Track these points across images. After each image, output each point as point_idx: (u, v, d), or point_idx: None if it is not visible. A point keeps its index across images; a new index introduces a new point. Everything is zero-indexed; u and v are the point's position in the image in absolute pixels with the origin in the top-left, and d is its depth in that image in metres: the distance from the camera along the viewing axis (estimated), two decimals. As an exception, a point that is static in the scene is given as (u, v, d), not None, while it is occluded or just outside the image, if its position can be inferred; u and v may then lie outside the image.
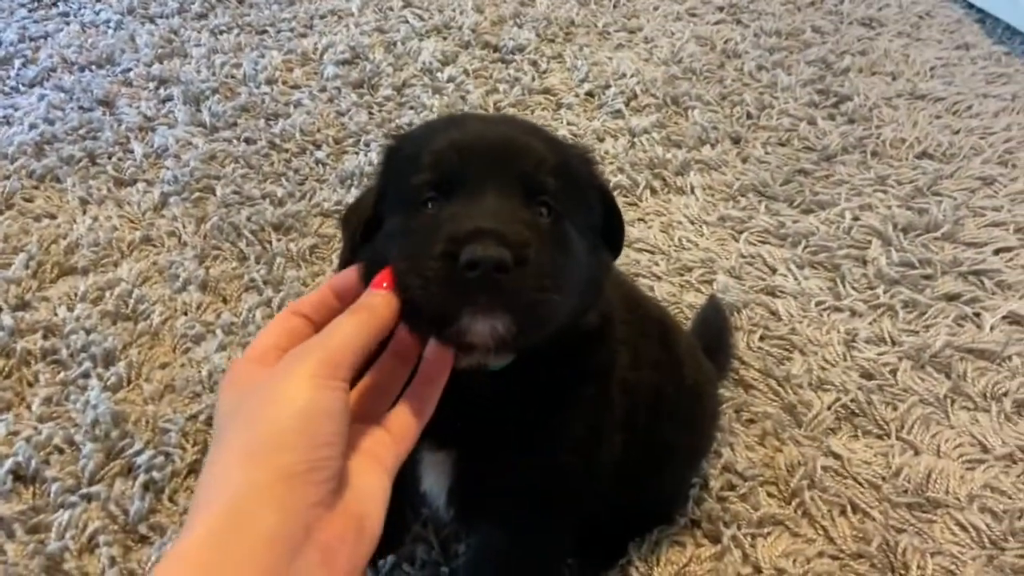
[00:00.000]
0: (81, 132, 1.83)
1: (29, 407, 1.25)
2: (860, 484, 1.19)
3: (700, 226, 1.68)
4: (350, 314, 0.63)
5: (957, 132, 1.97)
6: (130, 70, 2.06)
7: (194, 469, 1.17)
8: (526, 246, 0.63)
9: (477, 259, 0.60)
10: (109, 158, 1.77)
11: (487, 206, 0.65)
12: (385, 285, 0.65)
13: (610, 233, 0.80)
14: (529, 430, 0.78)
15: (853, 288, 1.53)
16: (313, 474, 0.54)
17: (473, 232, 0.62)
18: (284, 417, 0.55)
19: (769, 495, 1.18)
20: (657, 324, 0.99)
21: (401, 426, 0.65)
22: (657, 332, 0.97)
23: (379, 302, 0.64)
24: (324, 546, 0.53)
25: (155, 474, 1.14)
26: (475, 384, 0.73)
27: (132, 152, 1.79)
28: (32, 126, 1.84)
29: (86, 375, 1.29)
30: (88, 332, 1.36)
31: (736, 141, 1.92)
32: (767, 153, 1.88)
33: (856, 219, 1.69)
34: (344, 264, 0.75)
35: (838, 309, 1.49)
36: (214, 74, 2.05)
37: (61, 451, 1.18)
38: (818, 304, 1.49)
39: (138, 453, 1.17)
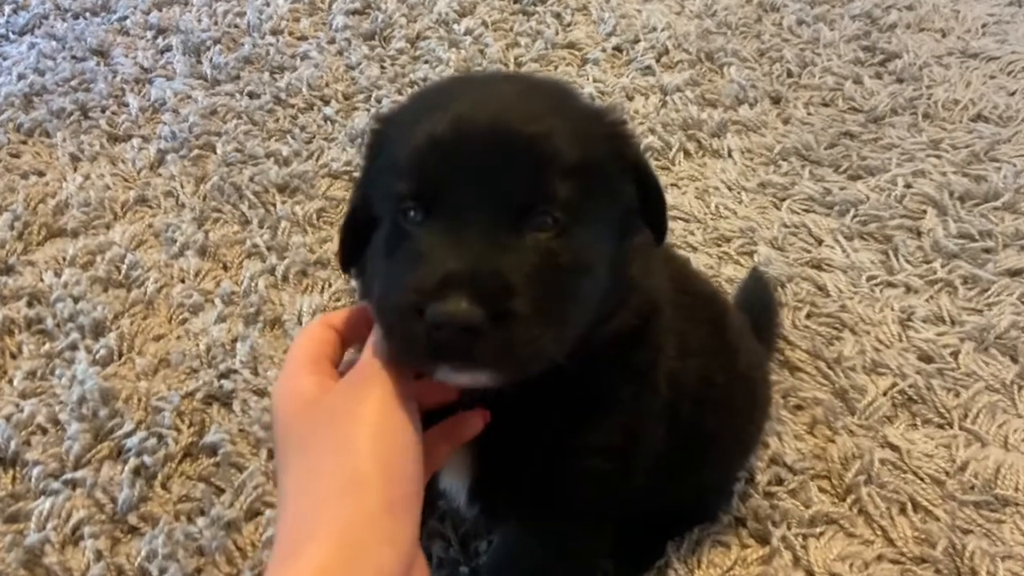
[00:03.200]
0: (73, 83, 1.71)
1: (11, 381, 1.15)
2: (921, 479, 1.08)
3: (739, 192, 1.55)
4: None
5: (1013, 94, 1.82)
6: (126, 18, 1.92)
7: (189, 452, 1.07)
8: (507, 296, 0.54)
9: (440, 320, 0.53)
10: (102, 112, 1.65)
11: (470, 233, 0.55)
12: None
13: (650, 213, 0.68)
14: (557, 432, 0.69)
15: (907, 262, 1.40)
16: (415, 507, 0.54)
17: (442, 282, 0.53)
18: (390, 446, 0.54)
19: (821, 490, 1.07)
20: (707, 305, 0.88)
21: (434, 447, 0.63)
22: (707, 315, 0.86)
23: None
24: None
25: (146, 458, 1.04)
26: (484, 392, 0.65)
27: (127, 106, 1.67)
28: (21, 76, 1.72)
29: (73, 347, 1.19)
30: (76, 300, 1.25)
31: (776, 101, 1.78)
32: (810, 114, 1.74)
33: (908, 186, 1.55)
34: (343, 265, 0.70)
35: (891, 284, 1.36)
36: (216, 23, 1.92)
37: (44, 431, 1.08)
38: (869, 279, 1.37)
39: (128, 435, 1.07)
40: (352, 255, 0.68)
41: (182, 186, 1.49)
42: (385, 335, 0.58)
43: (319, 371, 0.60)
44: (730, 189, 1.55)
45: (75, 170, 1.52)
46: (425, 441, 0.59)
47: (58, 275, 1.30)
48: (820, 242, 1.44)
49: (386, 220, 0.62)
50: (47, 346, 1.19)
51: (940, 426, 1.15)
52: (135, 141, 1.58)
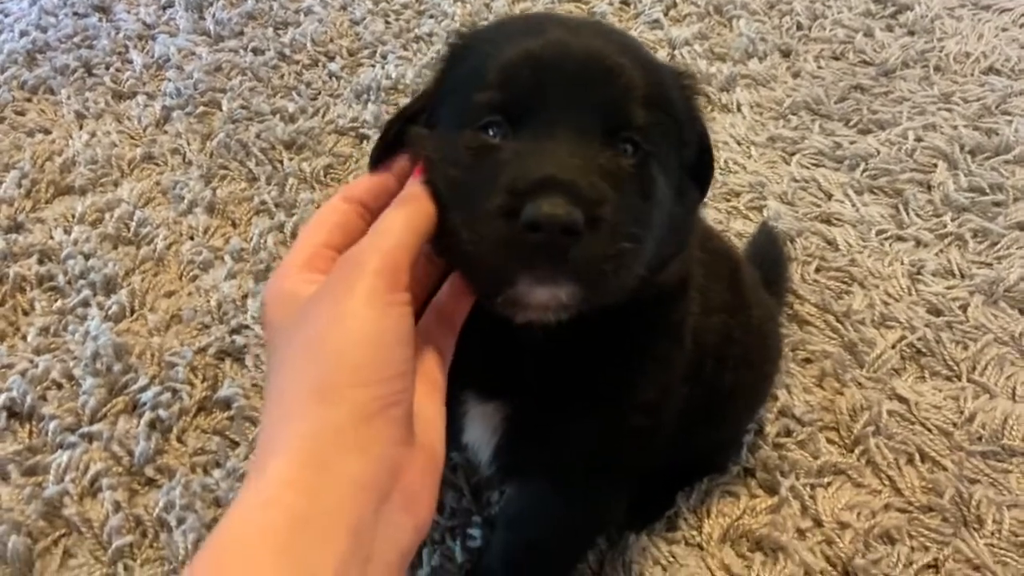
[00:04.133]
0: (76, 40, 1.70)
1: (24, 338, 1.15)
2: (929, 430, 1.09)
3: (748, 147, 1.53)
4: (396, 208, 0.55)
5: (1026, 46, 1.80)
6: (127, -27, 1.89)
7: (203, 407, 1.08)
8: (602, 203, 0.52)
9: (541, 219, 0.50)
10: (106, 68, 1.64)
11: (560, 146, 0.54)
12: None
13: (700, 171, 0.68)
14: (594, 388, 0.68)
15: (917, 215, 1.40)
16: (392, 409, 0.48)
17: (540, 183, 0.51)
18: (353, 346, 0.48)
19: (829, 442, 1.07)
20: (726, 261, 0.88)
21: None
22: (727, 271, 0.86)
23: (422, 191, 0.56)
24: (406, 488, 0.49)
25: (161, 412, 1.05)
26: (532, 334, 0.62)
27: (131, 62, 1.66)
28: (23, 33, 1.70)
29: (85, 303, 1.19)
30: (87, 257, 1.25)
31: (786, 54, 1.76)
32: (820, 67, 1.72)
33: (919, 140, 1.54)
34: (374, 162, 0.63)
35: (901, 238, 1.36)
36: (218, -22, 1.89)
37: (59, 386, 1.09)
38: (879, 233, 1.36)
39: (143, 389, 1.08)
40: (378, 151, 0.63)
41: (188, 143, 1.48)
42: (462, 244, 0.54)
43: (315, 267, 0.54)
44: (739, 144, 1.54)
45: (81, 127, 1.51)
46: (420, 334, 0.55)
47: (68, 232, 1.30)
48: (830, 196, 1.43)
49: (454, 133, 0.59)
50: (59, 303, 1.19)
51: (948, 378, 1.16)
52: (140, 98, 1.57)
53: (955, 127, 1.58)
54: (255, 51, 1.69)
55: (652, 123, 0.58)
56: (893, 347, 1.18)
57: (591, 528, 0.87)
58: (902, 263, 1.31)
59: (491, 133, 0.57)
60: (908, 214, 1.40)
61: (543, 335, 0.60)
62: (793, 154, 1.52)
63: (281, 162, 1.45)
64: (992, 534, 0.98)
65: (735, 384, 0.88)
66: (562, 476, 0.78)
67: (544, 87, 0.56)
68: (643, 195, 0.58)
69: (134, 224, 1.31)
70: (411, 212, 0.55)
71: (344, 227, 0.57)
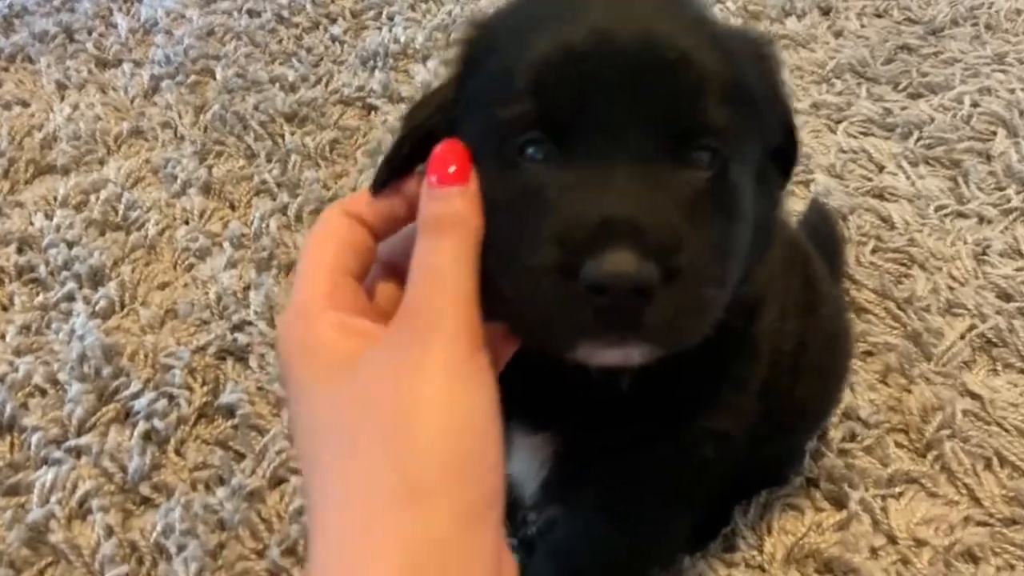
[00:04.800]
0: (56, 3, 1.60)
1: (2, 336, 1.04)
2: (1007, 431, 0.98)
3: (790, 115, 1.41)
4: (440, 235, 0.43)
5: (1082, 0, 1.67)
6: (109, -71, 1.75)
7: (204, 413, 0.98)
8: (678, 249, 0.41)
9: (606, 281, 0.40)
10: (89, 34, 1.52)
11: (619, 173, 0.42)
12: (453, 170, 0.45)
13: (784, 156, 0.55)
14: (659, 418, 0.57)
15: (979, 189, 1.28)
16: (492, 511, 0.41)
17: (599, 230, 0.40)
18: (441, 435, 0.39)
19: (899, 445, 0.97)
20: (798, 254, 0.76)
21: None
22: (800, 265, 0.75)
23: (464, 208, 0.44)
24: None
25: (157, 421, 0.94)
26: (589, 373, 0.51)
27: (116, 27, 1.54)
28: (-3, -4, 1.57)
29: (70, 297, 1.08)
30: (71, 245, 1.14)
31: (826, 12, 1.63)
32: (863, 26, 1.59)
33: (975, 105, 1.42)
34: (380, 185, 0.49)
35: (962, 215, 1.24)
36: (208, -67, 1.75)
37: (43, 392, 0.98)
38: (938, 209, 1.25)
39: (136, 395, 0.97)
40: (383, 174, 0.49)
41: (180, 116, 1.36)
42: (507, 305, 0.44)
43: (341, 302, 0.44)
44: (780, 111, 1.42)
45: (62, 99, 1.40)
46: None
47: (49, 217, 1.18)
48: (882, 168, 1.32)
49: (482, 157, 0.46)
50: (41, 297, 1.08)
51: (1023, 371, 1.05)
52: (126, 66, 1.45)
53: (1012, 90, 1.45)
54: (250, 13, 1.57)
55: (731, 118, 0.46)
56: (962, 337, 1.07)
57: (648, 559, 0.77)
58: (965, 242, 1.19)
59: (530, 154, 0.45)
60: (968, 187, 1.28)
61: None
62: (839, 122, 1.40)
63: (282, 136, 1.33)
64: (1085, 550, 0.88)
65: (808, 393, 0.78)
66: (617, 507, 0.68)
67: (593, 91, 0.44)
68: (724, 212, 0.46)
69: (122, 207, 1.20)
70: (462, 243, 0.43)
71: (355, 247, 0.46)
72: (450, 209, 0.44)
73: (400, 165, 0.49)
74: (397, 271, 0.47)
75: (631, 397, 0.55)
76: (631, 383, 0.53)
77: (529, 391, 0.52)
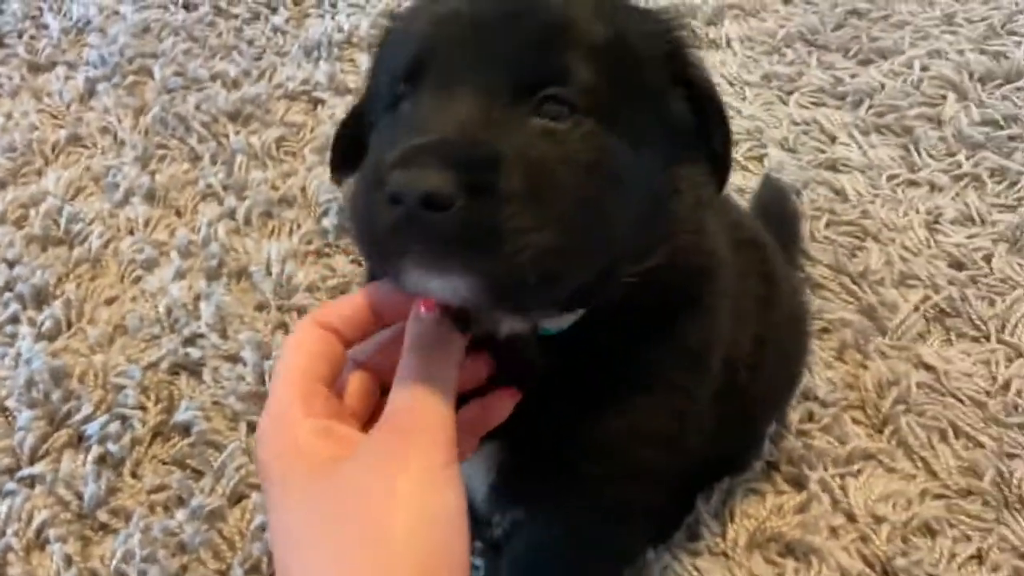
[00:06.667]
0: (-19, 6, 1.51)
1: (-54, 365, 1.01)
2: (961, 402, 1.00)
3: (741, 88, 1.40)
4: (425, 355, 0.47)
5: (1030, -44, 1.66)
6: (34, -77, 1.68)
7: (159, 432, 0.96)
8: (490, 163, 0.42)
9: (398, 190, 0.41)
10: (19, 37, 1.48)
11: (456, 105, 0.45)
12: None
13: (710, 141, 0.55)
14: (598, 421, 0.58)
15: (930, 155, 1.28)
16: None
17: (412, 149, 0.43)
18: (432, 531, 0.43)
19: (856, 423, 0.98)
20: (755, 252, 0.76)
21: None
22: (757, 263, 0.74)
23: (447, 331, 0.48)
24: None
25: (111, 445, 0.93)
26: (525, 356, 0.54)
27: (47, 28, 1.49)
28: (-81, 1, 1.50)
29: (14, 319, 1.05)
30: (11, 264, 1.11)
31: (775, -21, 1.61)
32: (812, -8, 1.58)
33: (925, 69, 1.42)
34: (335, 169, 0.60)
35: (914, 183, 1.25)
36: (138, -77, 1.68)
37: (-9, 421, 0.96)
38: (891, 178, 1.25)
39: (88, 419, 0.95)
40: (345, 161, 0.58)
41: (119, 120, 1.32)
42: (350, 227, 0.49)
43: (316, 409, 0.47)
44: (731, 84, 1.41)
45: (-6, 108, 1.34)
46: None
47: (-13, 236, 1.15)
48: (834, 139, 1.32)
49: (380, 120, 0.53)
50: (-17, 321, 1.05)
51: (976, 339, 1.07)
52: (60, 70, 1.40)
53: (961, 52, 1.46)
54: (187, 7, 1.52)
55: (601, 78, 0.48)
56: (916, 309, 1.08)
57: (610, 561, 0.77)
58: (918, 212, 1.20)
59: (402, 106, 0.50)
60: (920, 155, 1.28)
61: (535, 352, 0.53)
62: (791, 93, 1.39)
63: (226, 136, 1.29)
64: (1039, 518, 0.90)
65: (768, 384, 0.78)
66: (567, 511, 0.68)
67: (446, 40, 0.48)
68: (586, 165, 0.47)
69: (64, 220, 1.17)
70: (445, 362, 0.47)
71: (327, 357, 0.49)
72: (435, 331, 0.48)
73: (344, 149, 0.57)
74: (367, 369, 0.51)
75: (566, 404, 0.56)
76: (565, 387, 0.55)
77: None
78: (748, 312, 0.68)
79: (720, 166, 0.57)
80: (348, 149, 0.57)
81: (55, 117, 1.33)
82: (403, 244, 0.43)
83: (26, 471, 0.91)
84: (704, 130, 0.55)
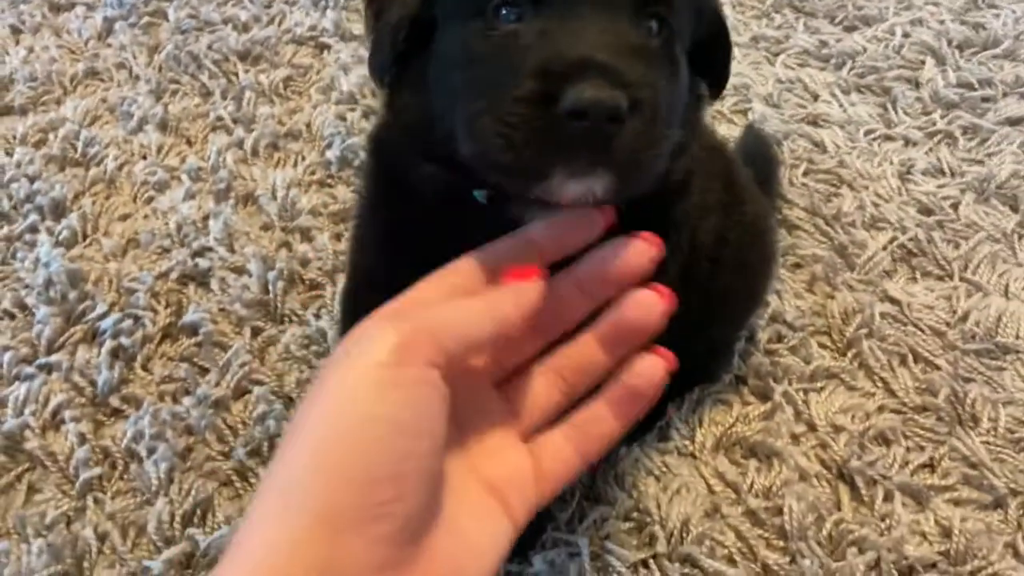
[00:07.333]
0: (4, -51, 1.56)
1: (-31, 268, 1.07)
2: (922, 331, 1.06)
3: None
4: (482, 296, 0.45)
5: (1014, -64, 1.73)
6: None
7: (168, 333, 1.02)
8: (643, 86, 0.46)
9: (586, 106, 0.43)
10: None
11: (589, 24, 0.47)
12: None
13: (713, 66, 0.62)
14: None
15: (906, 114, 1.35)
16: (371, 526, 0.36)
17: (578, 64, 0.45)
18: (333, 434, 0.38)
19: (822, 346, 1.04)
20: (720, 158, 0.82)
21: (556, 455, 0.48)
22: (721, 168, 0.80)
23: (532, 287, 0.46)
24: None
25: (123, 340, 0.99)
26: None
27: (67, -30, 1.53)
28: (-56, -59, 1.56)
29: (33, 229, 1.11)
30: (32, 180, 1.17)
31: (767, -51, 1.68)
32: (802, -38, 1.64)
33: (906, 36, 1.48)
34: (378, 69, 0.56)
35: (890, 138, 1.31)
36: None
37: (11, 316, 1.02)
38: (868, 133, 1.32)
39: (102, 317, 1.01)
40: (388, 63, 0.56)
41: (134, 57, 1.38)
42: (483, 140, 0.47)
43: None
44: (721, 44, 1.47)
45: (17, 43, 1.40)
46: (549, 439, 0.47)
47: (9, 154, 1.21)
48: (816, 97, 1.38)
49: (458, 24, 0.52)
50: (5, 229, 1.11)
51: (940, 278, 1.13)
52: (79, 9, 1.46)
53: (942, 21, 1.52)
54: (202, -44, 1.57)
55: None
56: (884, 248, 1.15)
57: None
58: (891, 163, 1.27)
59: (504, 14, 0.50)
60: (897, 112, 1.35)
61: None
62: (778, 54, 1.46)
63: (236, 75, 1.35)
64: (988, 432, 0.96)
65: (730, 285, 0.84)
66: None
67: None
68: (671, 76, 0.52)
69: (81, 144, 1.22)
70: (495, 302, 0.45)
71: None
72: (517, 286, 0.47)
73: (391, 48, 0.55)
74: None
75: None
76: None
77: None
78: (711, 207, 0.74)
79: (720, 81, 0.64)
80: (393, 53, 0.55)
81: (73, 52, 1.39)
82: (569, 152, 0.45)
83: (43, 359, 0.97)
84: (712, 46, 0.61)
